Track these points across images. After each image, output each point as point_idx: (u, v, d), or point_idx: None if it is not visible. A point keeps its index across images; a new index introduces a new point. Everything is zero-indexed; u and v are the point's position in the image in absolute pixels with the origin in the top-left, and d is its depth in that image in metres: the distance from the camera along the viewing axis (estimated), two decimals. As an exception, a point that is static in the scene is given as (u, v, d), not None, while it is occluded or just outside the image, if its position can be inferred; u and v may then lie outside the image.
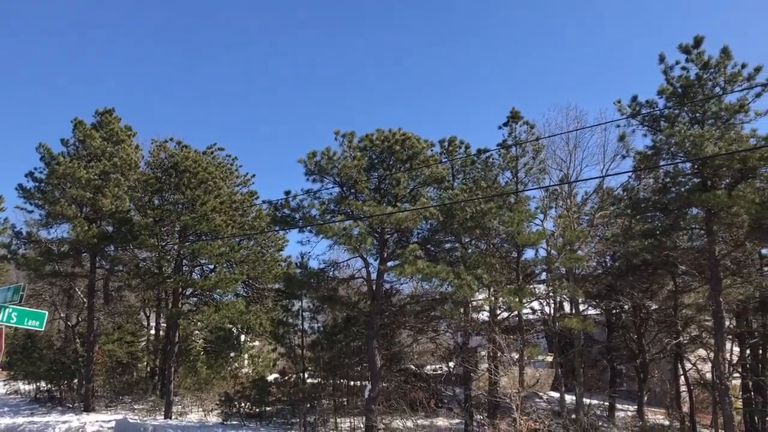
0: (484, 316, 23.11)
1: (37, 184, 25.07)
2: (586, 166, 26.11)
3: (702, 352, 23.85)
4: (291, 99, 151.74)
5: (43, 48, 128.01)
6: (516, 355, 19.96)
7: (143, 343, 32.27)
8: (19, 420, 22.40)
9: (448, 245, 22.54)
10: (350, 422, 23.04)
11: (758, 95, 16.55)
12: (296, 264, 23.41)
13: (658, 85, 17.76)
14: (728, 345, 20.70)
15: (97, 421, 22.26)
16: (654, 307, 25.15)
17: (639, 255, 20.23)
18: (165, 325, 29.58)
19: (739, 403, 23.12)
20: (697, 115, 17.35)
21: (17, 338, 28.63)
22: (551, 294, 23.82)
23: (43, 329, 15.12)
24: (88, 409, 24.40)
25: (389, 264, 20.09)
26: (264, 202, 26.43)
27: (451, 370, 26.52)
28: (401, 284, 24.34)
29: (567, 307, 26.32)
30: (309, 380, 24.18)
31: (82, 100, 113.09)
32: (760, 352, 22.92)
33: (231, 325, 27.30)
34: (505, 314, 22.50)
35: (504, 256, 22.43)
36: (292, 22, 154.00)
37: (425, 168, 20.22)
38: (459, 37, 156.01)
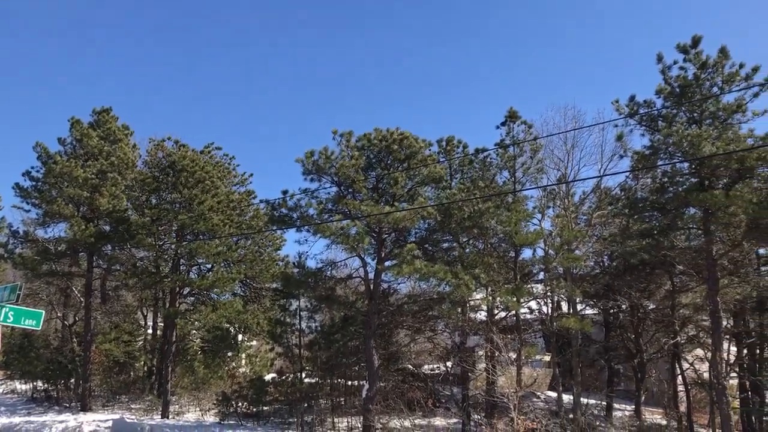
0: (482, 315, 23.09)
1: (34, 183, 25.02)
2: (583, 165, 26.18)
3: (699, 351, 23.86)
4: (291, 99, 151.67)
5: (43, 48, 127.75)
6: (513, 355, 19.95)
7: (140, 343, 32.21)
8: (16, 419, 22.36)
9: (445, 245, 22.53)
10: (348, 422, 23.04)
11: (756, 95, 16.55)
12: (294, 263, 23.39)
13: (656, 84, 17.78)
14: (725, 345, 20.74)
15: (94, 420, 22.22)
16: (651, 306, 25.18)
17: (636, 255, 20.25)
18: (162, 324, 29.53)
19: (736, 403, 23.12)
20: (695, 114, 17.35)
21: (14, 338, 28.56)
22: (549, 294, 23.84)
23: (39, 328, 15.08)
24: (85, 408, 24.35)
25: (387, 263, 20.09)
26: (261, 201, 26.43)
27: (449, 369, 26.53)
28: (399, 284, 24.36)
29: (564, 306, 26.36)
30: (306, 380, 24.17)
31: (82, 100, 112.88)
32: (758, 351, 22.93)
33: (228, 325, 27.27)
34: (503, 314, 22.50)
35: (501, 256, 22.43)
36: (292, 22, 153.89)
37: (423, 167, 20.20)
38: (459, 37, 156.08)
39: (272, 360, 29.77)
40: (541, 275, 23.85)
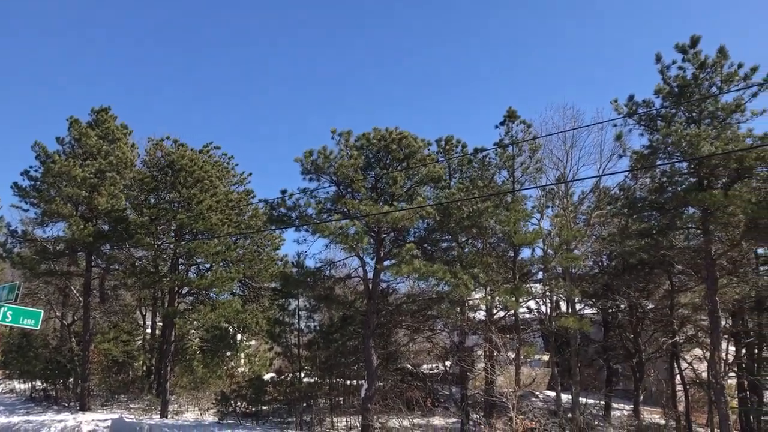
0: (481, 315, 23.09)
1: (32, 182, 24.98)
2: (582, 165, 26.19)
3: (698, 351, 23.88)
4: (290, 99, 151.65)
5: (43, 48, 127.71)
6: (512, 355, 19.96)
7: (139, 342, 32.20)
8: (15, 419, 22.34)
9: (444, 244, 22.54)
10: (347, 421, 23.04)
11: (755, 95, 16.56)
12: (293, 263, 23.38)
13: (655, 84, 17.78)
14: (724, 344, 20.77)
15: (93, 420, 22.20)
16: (650, 306, 25.21)
17: (635, 254, 20.25)
18: (161, 324, 29.52)
19: (734, 403, 23.16)
20: (694, 114, 17.35)
21: (13, 337, 28.54)
22: (548, 293, 23.84)
23: (38, 328, 15.06)
24: (83, 408, 24.33)
25: (386, 263, 20.10)
26: (260, 200, 26.40)
27: (448, 369, 26.55)
28: (398, 283, 24.40)
29: (563, 306, 26.38)
30: (305, 379, 24.17)
31: (82, 100, 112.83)
32: (756, 351, 22.95)
33: (227, 324, 27.26)
34: (502, 313, 22.50)
35: (500, 256, 22.44)
36: (292, 22, 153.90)
37: (422, 167, 20.20)
38: (459, 37, 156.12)
39: (271, 359, 29.77)
40: (540, 275, 23.85)
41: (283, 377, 24.28)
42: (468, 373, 22.55)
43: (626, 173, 20.18)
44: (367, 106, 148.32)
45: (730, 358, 22.30)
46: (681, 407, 23.63)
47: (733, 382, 23.94)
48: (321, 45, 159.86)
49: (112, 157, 25.06)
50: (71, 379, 27.04)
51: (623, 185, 20.66)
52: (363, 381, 21.33)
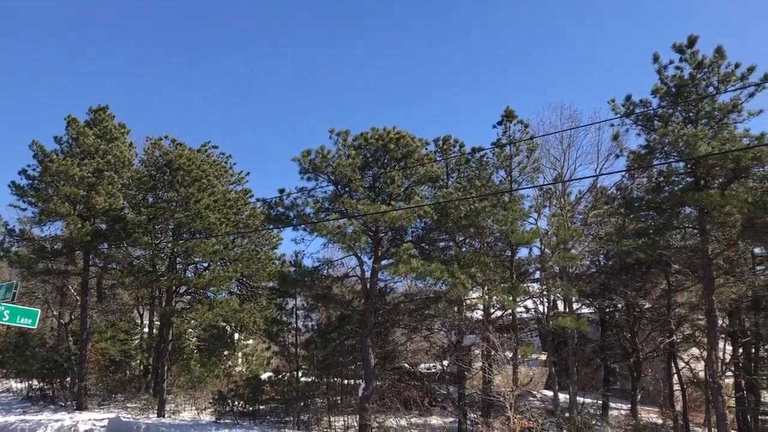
0: (478, 314, 23.13)
1: (30, 181, 24.95)
2: (579, 165, 26.23)
3: (695, 350, 23.93)
4: (290, 99, 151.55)
5: (43, 48, 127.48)
6: (510, 354, 20.00)
7: (136, 342, 32.18)
8: (12, 418, 22.31)
9: (442, 244, 22.56)
10: (344, 421, 23.04)
11: (751, 95, 16.60)
12: (290, 262, 23.42)
13: (653, 84, 17.82)
14: (721, 344, 20.82)
15: (89, 419, 22.18)
16: (647, 305, 25.23)
17: (632, 254, 20.30)
18: (158, 323, 29.52)
19: (731, 402, 23.23)
20: (691, 114, 17.39)
21: (10, 336, 28.53)
22: (545, 293, 23.85)
23: (35, 327, 15.06)
24: (80, 407, 24.30)
25: (383, 262, 20.11)
26: (258, 200, 26.38)
27: (445, 368, 26.57)
28: (395, 283, 24.41)
29: (561, 305, 26.40)
30: (303, 379, 24.16)
31: (82, 100, 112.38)
32: (753, 350, 23.02)
33: (225, 324, 27.27)
34: (499, 313, 22.54)
35: (498, 255, 22.46)
36: (292, 22, 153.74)
37: (420, 167, 20.22)
38: (459, 37, 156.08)
39: (268, 359, 29.76)
40: (538, 274, 23.90)
41: (280, 376, 24.27)
42: (465, 373, 22.57)
43: (623, 173, 20.23)
44: (366, 106, 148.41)
45: (727, 357, 22.36)
46: (678, 407, 23.67)
47: (730, 381, 24.01)
48: (321, 45, 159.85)
49: (109, 156, 25.05)
50: (68, 379, 27.01)
51: (620, 185, 20.71)
52: (360, 380, 21.34)
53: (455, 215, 19.67)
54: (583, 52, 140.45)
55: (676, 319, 22.77)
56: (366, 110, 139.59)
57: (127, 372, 31.25)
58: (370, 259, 20.86)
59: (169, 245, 24.21)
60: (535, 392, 28.03)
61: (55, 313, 31.59)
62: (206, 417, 24.08)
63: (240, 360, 32.73)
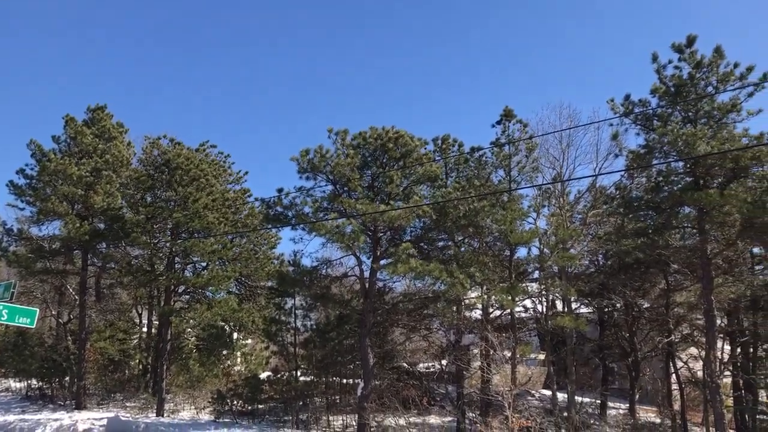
0: (477, 314, 23.13)
1: (28, 180, 24.90)
2: (579, 164, 26.15)
3: (693, 350, 23.96)
4: (290, 99, 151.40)
5: (43, 48, 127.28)
6: (508, 353, 20.00)
7: (135, 341, 32.13)
8: (10, 418, 22.29)
9: (440, 243, 22.55)
10: (343, 420, 23.04)
11: (750, 95, 16.62)
12: (289, 262, 23.39)
13: (652, 84, 17.81)
14: (719, 343, 20.80)
15: (88, 418, 22.16)
16: (646, 305, 25.25)
17: (631, 253, 20.29)
18: (157, 322, 29.49)
19: (729, 401, 23.26)
20: (690, 114, 17.39)
21: (8, 336, 28.47)
22: (544, 292, 23.86)
23: (34, 327, 15.01)
24: (79, 406, 24.28)
25: (382, 262, 20.08)
26: (257, 199, 26.31)
27: (444, 368, 26.56)
28: (394, 282, 24.37)
29: (559, 305, 26.38)
30: (301, 378, 24.16)
31: (82, 100, 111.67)
32: (751, 350, 23.04)
33: (223, 323, 27.22)
34: (498, 312, 22.55)
35: (497, 255, 22.46)
36: (292, 22, 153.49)
37: (418, 166, 20.19)
38: (459, 37, 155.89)
39: (267, 358, 29.78)
40: (536, 274, 23.92)
41: (279, 376, 24.27)
42: (464, 372, 22.58)
43: (622, 172, 20.22)
44: (366, 106, 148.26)
45: (726, 357, 22.36)
46: (676, 406, 23.69)
47: (728, 380, 24.03)
48: (321, 45, 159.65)
49: (108, 155, 25.02)
50: (67, 378, 26.97)
51: (619, 184, 20.72)
52: (359, 380, 21.34)
53: (454, 215, 19.65)
54: (583, 52, 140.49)
55: (674, 319, 22.79)
56: (366, 110, 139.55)
57: (126, 371, 31.23)
58: (368, 258, 20.86)
59: (168, 245, 24.18)
60: (533, 391, 28.03)
61: (53, 312, 31.56)
62: (205, 416, 24.07)
63: (239, 359, 32.72)
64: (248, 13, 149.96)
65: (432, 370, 27.44)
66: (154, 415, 23.38)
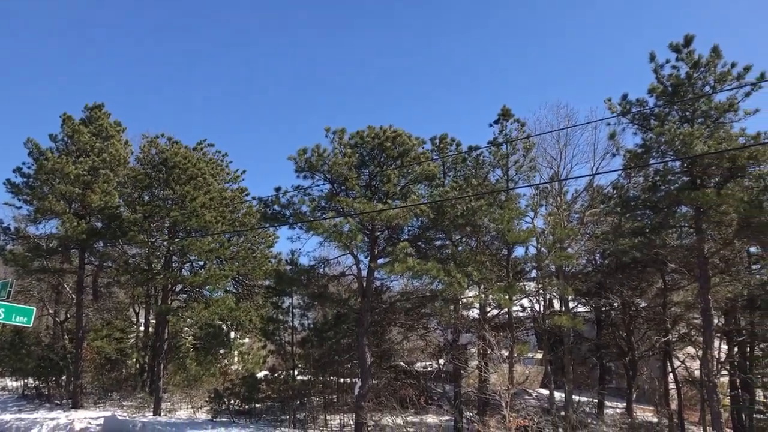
0: (474, 313, 23.12)
1: (25, 179, 24.88)
2: (576, 164, 26.13)
3: (690, 349, 23.97)
4: (290, 99, 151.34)
5: (43, 48, 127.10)
6: (506, 352, 20.00)
7: (132, 340, 32.10)
8: (7, 417, 22.27)
9: (438, 242, 22.55)
10: (340, 419, 23.03)
11: (747, 94, 16.61)
12: (286, 261, 23.39)
13: (649, 83, 17.82)
14: (716, 343, 20.85)
15: (85, 417, 22.14)
16: (643, 304, 25.27)
17: (628, 253, 20.28)
18: (154, 321, 29.44)
19: (726, 401, 23.26)
20: (687, 113, 17.40)
21: (5, 334, 28.43)
22: (541, 291, 23.87)
23: (31, 325, 15.01)
24: (76, 405, 24.26)
25: (380, 261, 20.06)
26: (254, 198, 26.34)
27: (441, 367, 26.57)
28: (392, 281, 24.36)
29: (557, 304, 26.37)
30: (299, 377, 24.16)
31: (82, 100, 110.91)
32: (748, 349, 23.05)
33: (221, 322, 27.19)
34: (495, 311, 22.54)
35: (494, 254, 22.46)
36: (292, 22, 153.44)
37: (416, 165, 20.17)
38: (458, 37, 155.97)
39: (265, 357, 29.75)
40: (534, 273, 23.90)
41: (276, 375, 24.27)
42: (461, 371, 22.59)
43: (620, 172, 20.20)
44: (366, 106, 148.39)
45: (723, 356, 22.37)
46: (673, 405, 23.71)
47: (725, 380, 24.04)
48: (321, 45, 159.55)
49: (105, 154, 24.99)
50: (64, 377, 26.94)
51: (617, 184, 20.69)
52: (356, 379, 21.31)
53: (452, 214, 19.65)
54: (582, 52, 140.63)
55: (671, 318, 22.80)
56: (365, 110, 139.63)
57: (123, 370, 31.22)
58: (366, 257, 20.83)
59: (165, 243, 24.16)
60: (530, 391, 28.02)
61: (50, 311, 31.53)
62: (202, 415, 24.05)
63: (236, 358, 32.71)
64: (248, 13, 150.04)
65: (429, 369, 27.45)
66: (151, 414, 23.37)
